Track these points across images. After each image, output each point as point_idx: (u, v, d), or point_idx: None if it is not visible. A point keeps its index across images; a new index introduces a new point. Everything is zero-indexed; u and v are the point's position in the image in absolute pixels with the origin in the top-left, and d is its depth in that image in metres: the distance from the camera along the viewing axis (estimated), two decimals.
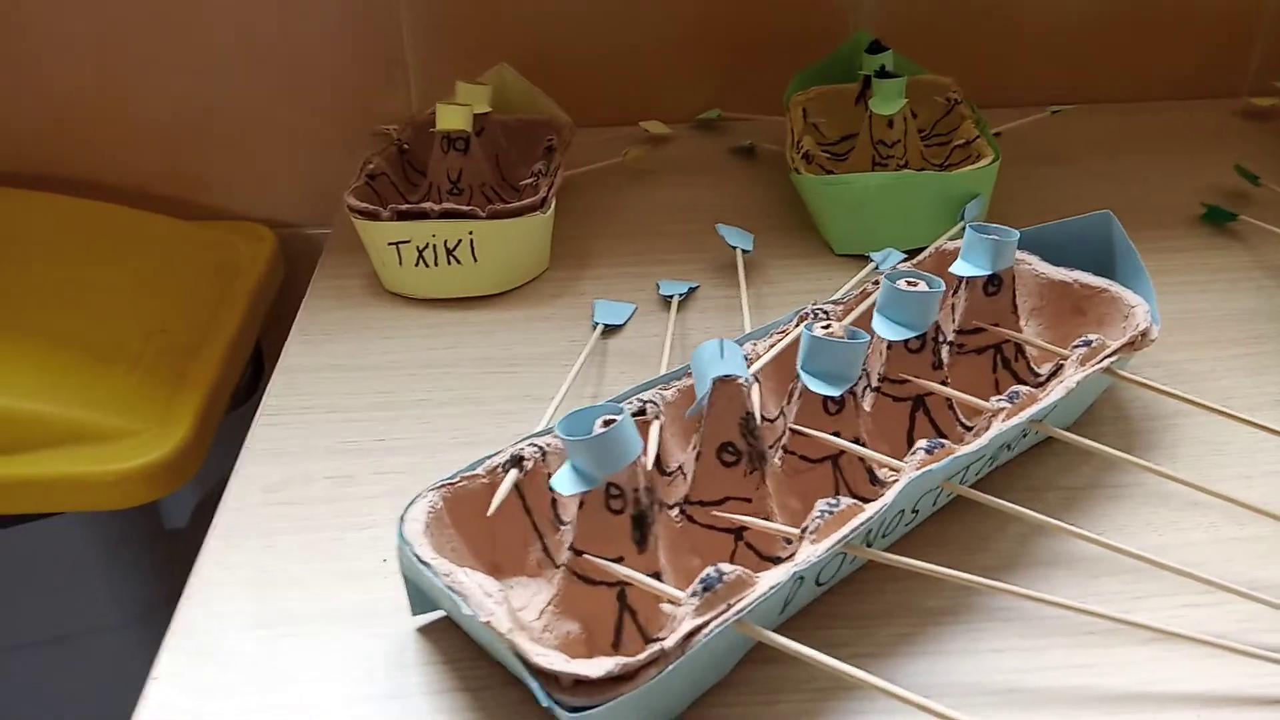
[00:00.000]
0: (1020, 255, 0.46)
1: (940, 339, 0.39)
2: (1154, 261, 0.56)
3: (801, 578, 0.30)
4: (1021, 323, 0.45)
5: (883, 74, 0.57)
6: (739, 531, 0.34)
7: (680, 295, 0.51)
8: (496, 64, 0.67)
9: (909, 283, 0.38)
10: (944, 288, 0.37)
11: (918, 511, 0.35)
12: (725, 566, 0.28)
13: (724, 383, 0.33)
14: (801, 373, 0.35)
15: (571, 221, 0.61)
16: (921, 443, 0.33)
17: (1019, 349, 0.41)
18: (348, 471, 0.41)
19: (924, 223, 0.54)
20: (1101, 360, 0.38)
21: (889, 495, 0.31)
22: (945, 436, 0.38)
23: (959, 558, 0.36)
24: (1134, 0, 0.75)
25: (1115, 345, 0.39)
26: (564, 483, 0.30)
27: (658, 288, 0.52)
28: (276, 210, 0.75)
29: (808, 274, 0.55)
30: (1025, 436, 0.38)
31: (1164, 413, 0.43)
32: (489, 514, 0.31)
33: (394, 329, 0.50)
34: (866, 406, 0.39)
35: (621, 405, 0.31)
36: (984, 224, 0.41)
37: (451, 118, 0.53)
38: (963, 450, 0.33)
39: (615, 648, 0.31)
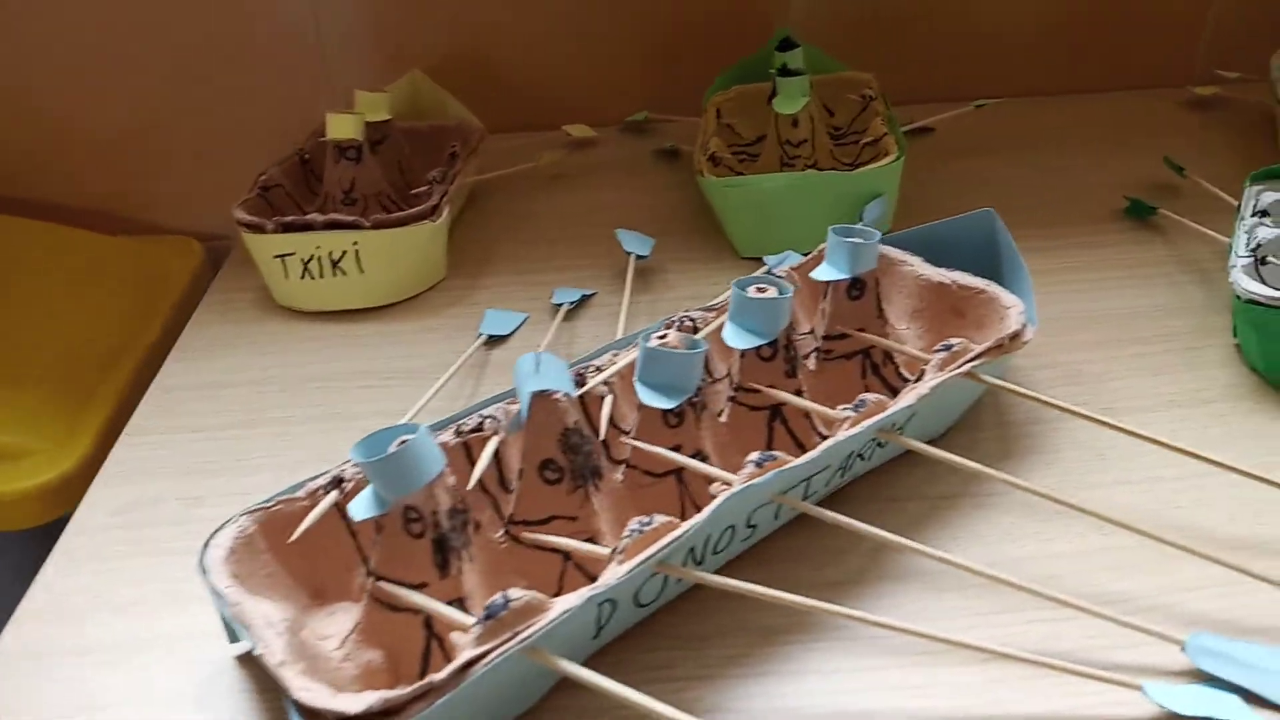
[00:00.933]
0: (902, 256, 0.44)
1: (792, 347, 0.37)
2: (1071, 257, 0.55)
3: (611, 601, 0.29)
4: (903, 325, 0.44)
5: (785, 72, 0.56)
6: (567, 552, 0.33)
7: (571, 303, 0.50)
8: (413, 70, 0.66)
9: (758, 289, 0.36)
10: (791, 294, 0.36)
11: (755, 526, 0.33)
12: (514, 592, 0.27)
13: (541, 398, 0.32)
14: (637, 385, 0.34)
15: (479, 228, 0.60)
16: (753, 456, 0.32)
17: (888, 354, 0.40)
18: (199, 493, 0.40)
19: (828, 223, 0.52)
20: (962, 365, 0.37)
21: (703, 513, 0.30)
22: (804, 446, 0.37)
23: (807, 573, 0.35)
24: None
25: (979, 349, 0.37)
26: (358, 507, 0.29)
27: (552, 296, 0.51)
28: (206, 223, 0.75)
29: (709, 278, 0.54)
30: (882, 446, 0.37)
31: (1049, 416, 0.42)
32: (290, 540, 0.30)
33: (275, 344, 0.49)
34: (724, 417, 0.37)
35: (419, 425, 0.30)
36: (848, 226, 0.40)
37: (341, 127, 0.52)
38: (794, 463, 0.32)
39: (422, 677, 0.30)
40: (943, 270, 0.43)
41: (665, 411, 0.34)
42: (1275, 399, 0.42)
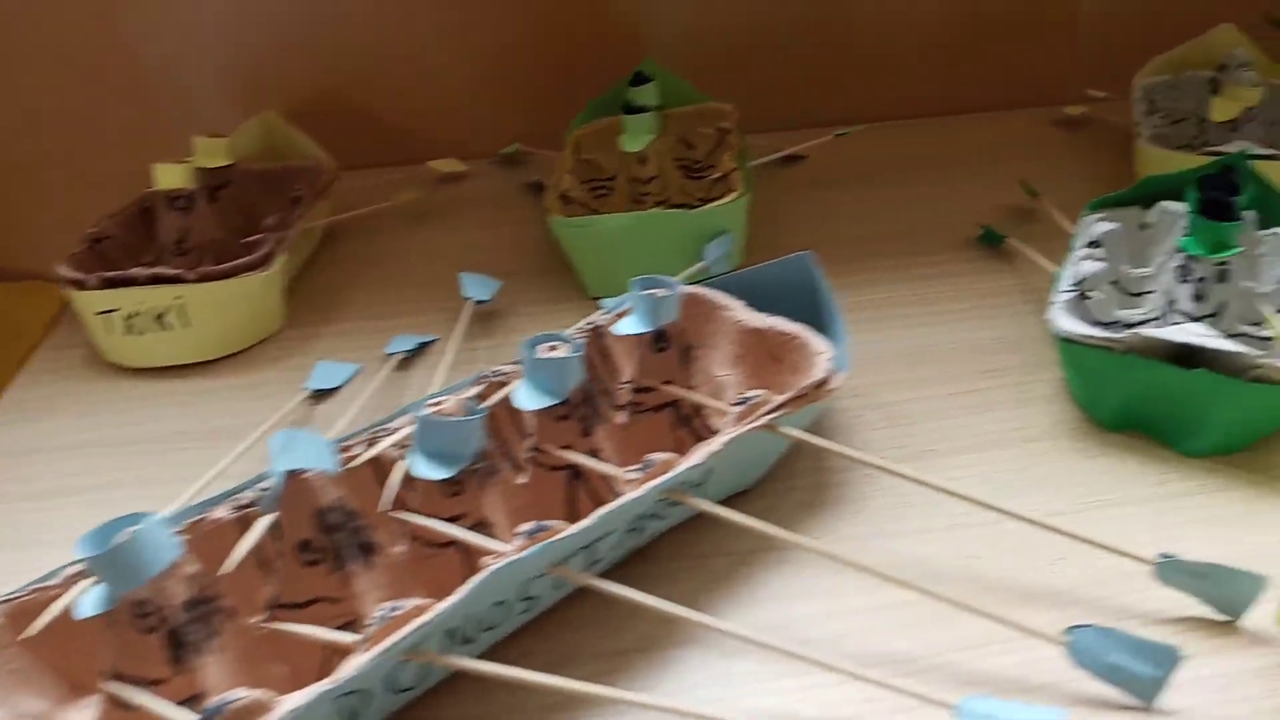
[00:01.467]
0: (724, 301, 0.43)
1: (591, 404, 0.37)
2: (920, 289, 0.55)
3: (360, 692, 0.28)
4: (724, 371, 0.43)
5: (630, 109, 0.55)
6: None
7: (406, 352, 0.49)
8: (276, 109, 0.65)
9: (549, 348, 0.36)
10: (581, 353, 0.35)
11: (534, 598, 0.33)
12: (236, 692, 0.26)
13: (293, 478, 0.31)
14: (410, 455, 0.33)
15: (331, 271, 0.59)
16: (525, 526, 0.31)
17: (697, 405, 0.39)
18: None
19: (674, 262, 0.51)
20: (760, 418, 0.36)
21: (456, 595, 0.29)
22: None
23: (595, 641, 0.34)
24: (957, 13, 0.74)
25: (778, 401, 0.37)
26: (84, 604, 0.27)
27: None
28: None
29: (560, 320, 0.52)
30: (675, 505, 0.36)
31: (858, 464, 0.41)
32: (23, 637, 0.29)
33: (99, 404, 0.48)
34: (525, 479, 0.37)
35: (150, 515, 0.28)
36: (652, 277, 0.39)
37: (167, 176, 0.51)
38: (565, 534, 0.31)
39: None
40: (762, 316, 0.42)
41: (444, 480, 0.33)
42: (1096, 437, 0.42)
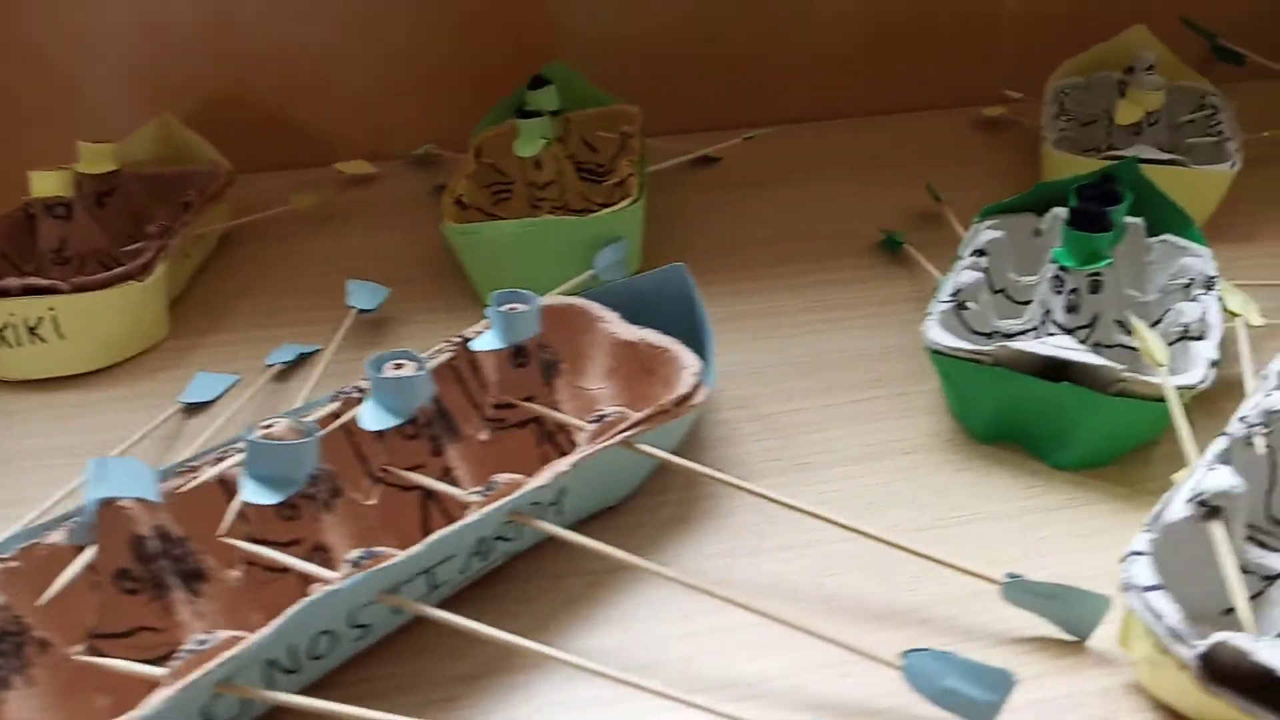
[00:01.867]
0: (601, 313, 0.43)
1: (441, 422, 0.36)
2: (817, 296, 0.54)
3: None
4: (599, 384, 0.42)
5: (523, 114, 0.54)
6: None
7: (284, 363, 0.48)
8: (181, 113, 0.64)
9: (394, 365, 0.35)
10: (426, 371, 0.35)
11: (367, 626, 0.32)
12: None
13: (107, 507, 0.30)
14: (240, 478, 0.32)
15: (226, 277, 0.58)
16: (353, 553, 0.31)
17: (560, 422, 0.39)
18: None
19: (567, 269, 0.51)
20: (614, 436, 0.36)
21: (268, 628, 0.28)
22: None
23: (435, 666, 0.33)
24: (879, 13, 0.74)
25: (636, 418, 0.36)
26: None
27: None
28: None
29: (451, 327, 0.51)
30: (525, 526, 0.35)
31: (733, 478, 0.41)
32: None
33: None
34: (374, 499, 0.36)
35: None
36: (515, 291, 0.39)
37: (43, 184, 0.50)
38: (391, 562, 0.30)
39: None
40: (635, 328, 0.42)
41: (279, 504, 0.32)
42: (970, 449, 0.42)
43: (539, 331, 0.38)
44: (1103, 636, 0.33)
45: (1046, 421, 0.40)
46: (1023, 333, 0.44)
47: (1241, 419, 0.33)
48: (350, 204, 0.65)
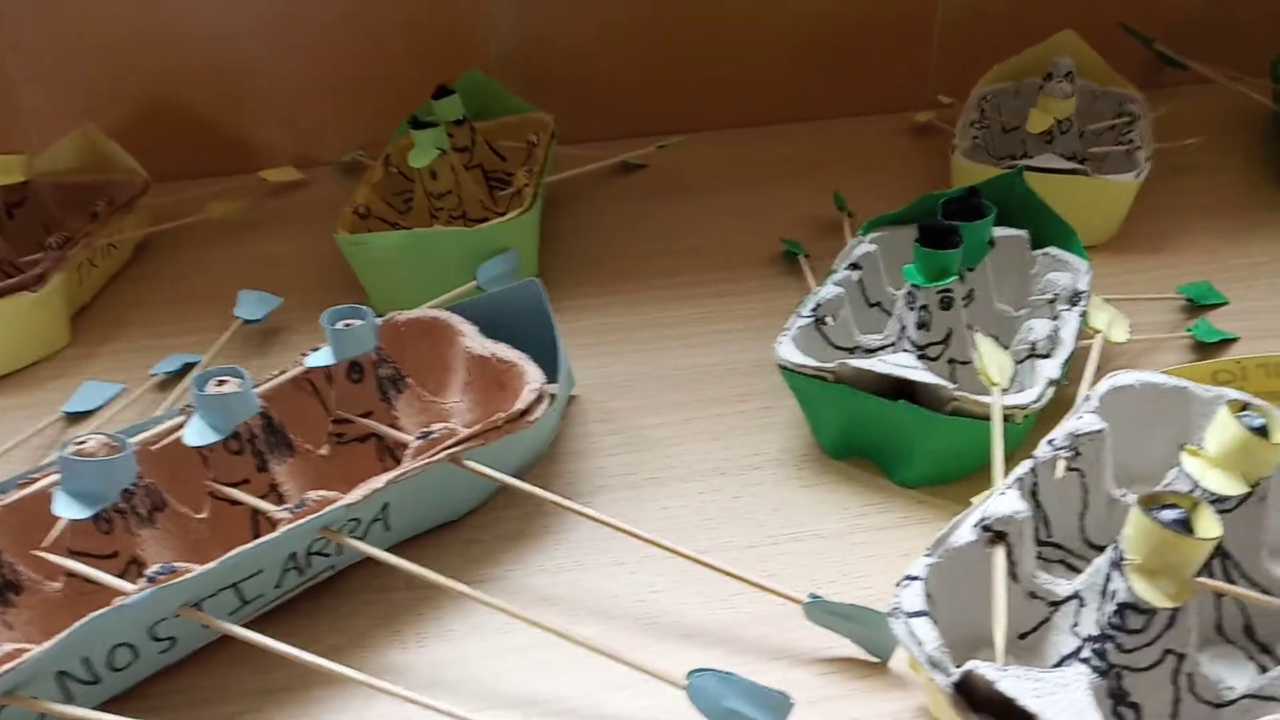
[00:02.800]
0: (460, 327, 0.43)
1: (269, 437, 0.36)
2: (709, 305, 0.54)
3: None
4: (455, 399, 0.43)
5: (417, 124, 0.55)
6: None
7: (169, 373, 0.49)
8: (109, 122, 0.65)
9: (218, 382, 0.36)
10: (248, 388, 0.35)
11: (173, 639, 0.32)
12: None
13: None
14: (54, 493, 0.33)
15: (132, 288, 0.58)
16: (153, 568, 0.31)
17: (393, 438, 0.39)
18: None
19: (457, 280, 0.51)
20: (440, 453, 0.36)
21: (52, 641, 0.29)
22: None
23: (246, 678, 0.34)
24: (813, 17, 0.73)
25: (466, 433, 0.37)
26: None
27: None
28: None
29: None
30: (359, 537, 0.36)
31: (581, 491, 0.41)
32: None
33: None
34: (205, 513, 0.37)
35: None
36: (353, 306, 0.39)
37: None
38: (187, 577, 0.31)
39: None
40: (489, 342, 0.42)
41: (95, 518, 0.33)
42: (820, 466, 0.42)
43: (374, 347, 0.38)
44: (901, 658, 0.33)
45: (889, 439, 0.40)
46: (883, 348, 0.44)
47: (1050, 442, 0.33)
48: (274, 212, 0.66)
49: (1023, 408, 0.37)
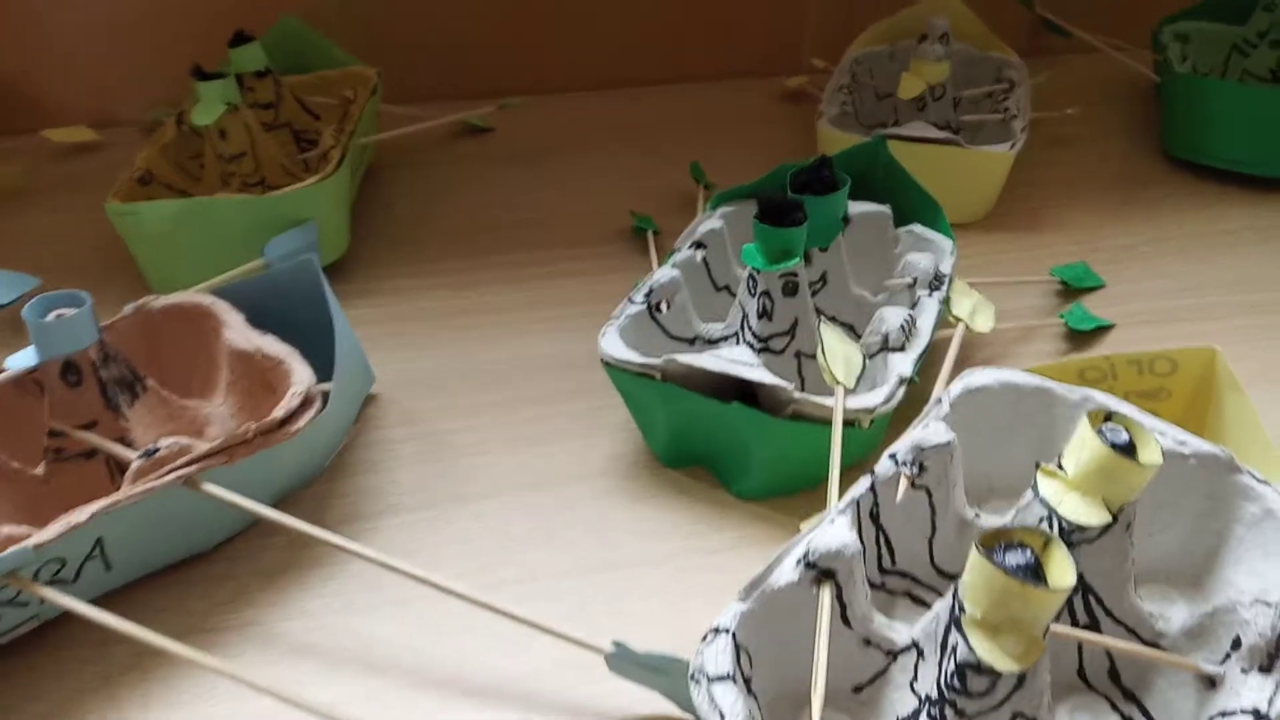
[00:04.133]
0: (225, 316, 0.36)
1: None
2: (540, 290, 0.47)
3: None
4: (217, 402, 0.36)
5: (202, 75, 0.47)
6: None
7: None
8: None
9: None
10: None
11: None
12: None
13: None
14: None
15: None
16: None
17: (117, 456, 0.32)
18: None
19: (243, 256, 0.44)
20: (168, 476, 0.29)
21: None
22: None
23: None
24: None
25: (203, 451, 0.30)
26: None
27: None
28: None
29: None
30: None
31: (351, 516, 0.35)
32: None
33: None
34: None
35: None
36: (70, 292, 0.32)
37: None
38: None
39: None
40: (255, 334, 0.35)
41: None
42: (652, 477, 0.36)
43: (95, 341, 0.31)
44: None
45: (725, 446, 0.34)
46: (725, 339, 0.38)
47: (891, 456, 0.28)
48: (56, 179, 0.57)
49: (869, 410, 0.32)
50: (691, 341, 0.39)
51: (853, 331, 0.39)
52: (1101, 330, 0.44)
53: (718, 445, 0.34)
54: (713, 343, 0.38)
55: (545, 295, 0.47)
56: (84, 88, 0.62)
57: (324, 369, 0.34)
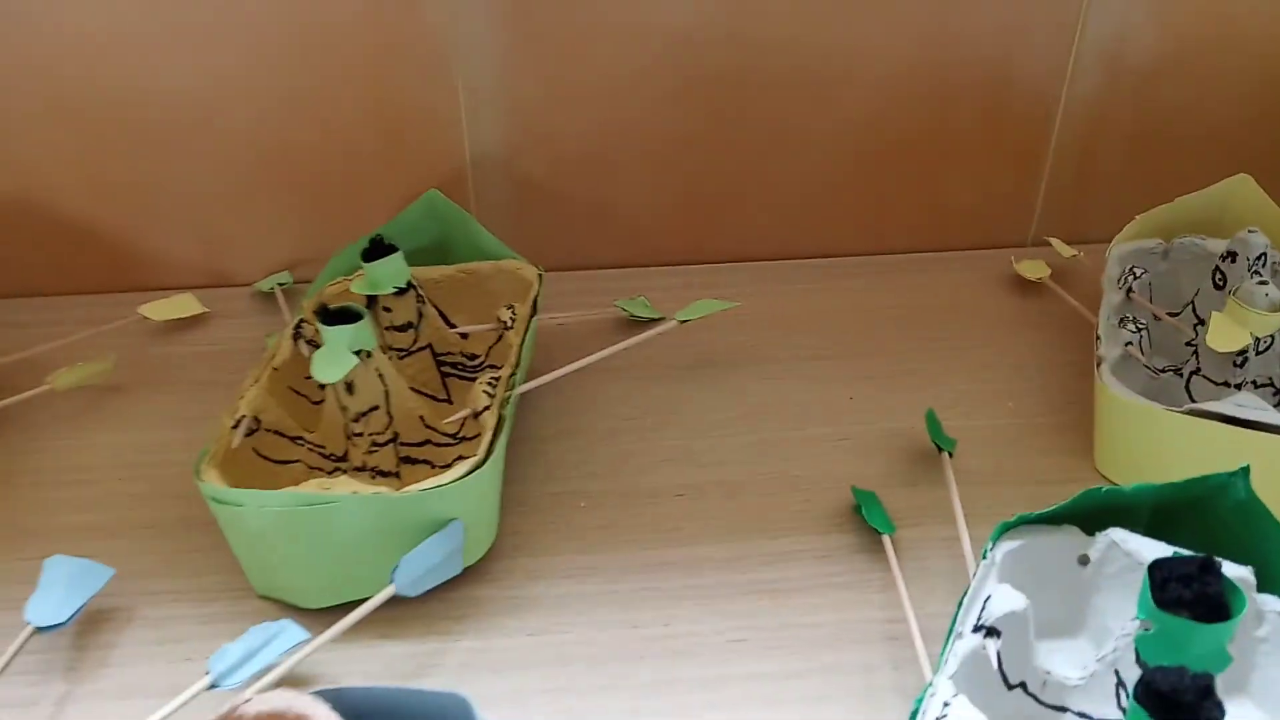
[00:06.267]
0: None
1: None
2: (731, 617, 0.35)
3: None
4: None
5: (329, 316, 0.36)
6: None
7: None
8: None
9: None
10: None
11: None
12: None
13: None
14: None
15: None
16: None
17: None
18: None
19: (372, 559, 0.33)
20: None
21: None
22: None
23: None
24: (868, 125, 0.55)
25: None
26: None
27: None
28: None
29: (167, 652, 0.33)
30: None
31: None
32: None
33: None
34: None
35: None
36: None
37: None
38: None
39: None
40: None
41: None
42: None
43: None
44: None
45: None
46: None
47: None
48: (146, 372, 0.47)
49: None
50: None
51: None
52: None
53: None
54: None
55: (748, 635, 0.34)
56: (191, 244, 0.53)
57: None
